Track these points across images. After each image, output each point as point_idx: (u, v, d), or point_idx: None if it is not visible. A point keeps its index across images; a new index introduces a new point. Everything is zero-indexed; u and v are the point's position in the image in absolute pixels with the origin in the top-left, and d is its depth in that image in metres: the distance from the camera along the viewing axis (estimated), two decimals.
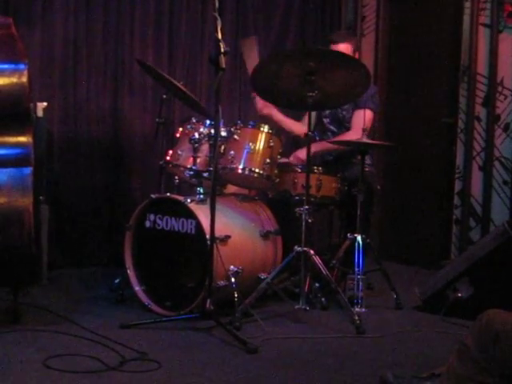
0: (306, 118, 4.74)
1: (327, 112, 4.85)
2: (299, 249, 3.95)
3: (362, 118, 4.51)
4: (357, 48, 4.77)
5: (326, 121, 4.88)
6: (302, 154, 4.56)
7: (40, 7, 5.00)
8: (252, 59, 4.57)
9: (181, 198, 3.99)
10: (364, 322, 3.79)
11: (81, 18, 5.16)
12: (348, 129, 4.74)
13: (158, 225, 4.05)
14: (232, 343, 3.43)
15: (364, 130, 4.27)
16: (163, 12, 5.46)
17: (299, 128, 4.84)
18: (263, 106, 4.72)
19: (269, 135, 4.14)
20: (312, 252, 3.96)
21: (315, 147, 4.33)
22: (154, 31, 5.43)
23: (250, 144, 4.09)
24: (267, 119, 4.64)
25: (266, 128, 4.15)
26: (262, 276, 4.07)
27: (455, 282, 4.11)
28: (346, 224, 4.65)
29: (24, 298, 3.86)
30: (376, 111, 4.76)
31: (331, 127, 4.86)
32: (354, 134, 4.53)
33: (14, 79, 3.49)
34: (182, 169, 4.25)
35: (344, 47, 4.65)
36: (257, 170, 4.08)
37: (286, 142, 4.57)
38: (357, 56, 4.83)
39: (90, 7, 5.20)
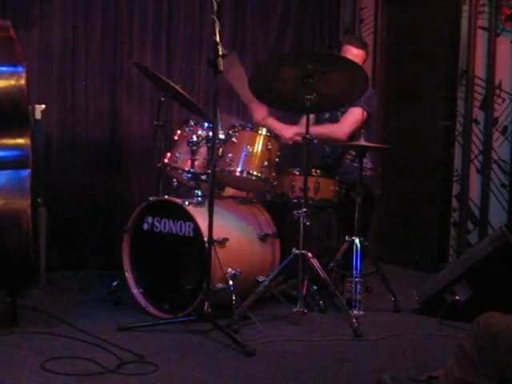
0: (304, 120, 4.75)
1: (327, 115, 4.86)
2: (297, 251, 3.95)
3: (353, 117, 4.60)
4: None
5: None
6: (287, 132, 4.60)
7: (38, 9, 5.01)
8: (236, 74, 4.56)
9: (179, 201, 3.99)
10: (362, 325, 3.79)
11: (79, 20, 5.17)
12: None
13: (156, 227, 4.05)
14: (230, 346, 3.43)
15: (362, 132, 4.27)
16: (161, 14, 5.46)
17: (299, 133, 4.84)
18: (259, 115, 4.71)
19: (267, 138, 4.14)
20: (310, 255, 3.96)
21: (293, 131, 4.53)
22: (152, 34, 5.44)
23: (248, 147, 4.10)
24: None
25: (264, 131, 4.16)
26: (260, 279, 4.07)
27: (453, 285, 4.11)
28: (344, 227, 4.66)
29: (22, 301, 3.86)
30: (370, 112, 4.74)
31: None
32: (338, 127, 4.60)
33: (12, 81, 3.49)
34: (180, 171, 4.25)
35: (358, 53, 4.67)
36: (255, 173, 4.08)
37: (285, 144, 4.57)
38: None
39: (88, 10, 5.20)
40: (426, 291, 4.30)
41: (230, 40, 5.72)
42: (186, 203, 3.95)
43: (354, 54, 4.64)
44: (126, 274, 4.10)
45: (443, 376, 2.25)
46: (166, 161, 4.29)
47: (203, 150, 4.16)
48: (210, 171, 3.76)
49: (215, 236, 3.71)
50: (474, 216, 5.48)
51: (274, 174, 4.17)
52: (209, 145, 4.06)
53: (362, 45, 4.87)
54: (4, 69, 3.53)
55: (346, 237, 4.30)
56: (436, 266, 5.12)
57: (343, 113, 4.76)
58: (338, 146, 4.83)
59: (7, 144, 3.51)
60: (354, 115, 4.62)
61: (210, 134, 3.96)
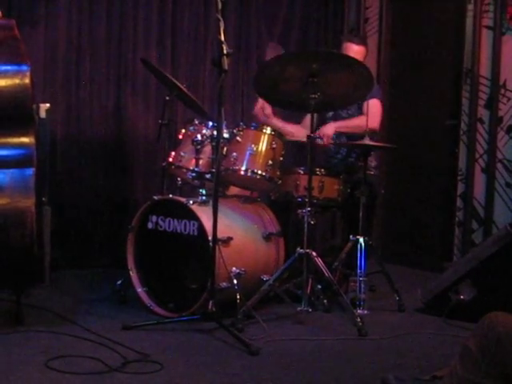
0: (306, 120, 4.76)
1: (330, 114, 4.86)
2: (301, 251, 3.95)
3: (375, 106, 4.62)
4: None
5: (328, 122, 4.89)
6: (328, 129, 4.60)
7: (43, 8, 5.02)
8: None
9: (183, 200, 3.99)
10: (366, 324, 3.78)
11: (84, 19, 5.18)
12: None
13: (161, 226, 4.05)
14: (234, 345, 3.43)
15: (365, 132, 4.26)
16: (166, 14, 5.47)
17: (300, 132, 4.84)
18: (262, 113, 4.73)
19: (271, 137, 4.14)
20: (314, 254, 3.96)
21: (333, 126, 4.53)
22: (157, 33, 5.44)
23: (253, 146, 4.09)
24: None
25: (268, 130, 4.16)
26: (265, 278, 4.07)
27: (458, 285, 4.11)
28: (348, 226, 4.65)
29: (26, 299, 3.86)
30: (382, 103, 4.82)
31: None
32: (370, 120, 4.45)
33: (17, 80, 3.49)
34: (184, 170, 4.25)
35: (360, 50, 4.67)
36: (259, 172, 4.08)
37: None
38: None
39: (93, 9, 5.21)
40: (431, 290, 4.29)
41: (235, 39, 5.72)
42: (191, 202, 3.95)
43: (355, 50, 4.65)
44: (131, 272, 4.11)
45: (448, 376, 2.25)
46: (170, 160, 4.29)
47: (208, 149, 4.16)
48: (214, 170, 3.76)
49: (220, 235, 3.71)
50: (478, 215, 5.47)
51: (278, 172, 4.17)
52: (213, 144, 4.06)
53: (362, 41, 4.90)
54: (8, 68, 3.53)
55: (351, 236, 4.30)
56: (440, 265, 5.11)
57: (348, 110, 4.76)
58: (342, 146, 4.83)
59: (12, 143, 3.51)
60: (378, 106, 4.69)
61: (215, 132, 3.95)
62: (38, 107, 4.39)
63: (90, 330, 3.52)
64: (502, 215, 5.31)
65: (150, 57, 5.35)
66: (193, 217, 3.90)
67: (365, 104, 4.61)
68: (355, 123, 4.63)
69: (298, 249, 3.98)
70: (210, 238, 3.69)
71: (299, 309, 3.90)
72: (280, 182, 4.21)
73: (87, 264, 5.20)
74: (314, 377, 3.10)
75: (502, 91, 5.35)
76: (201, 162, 4.14)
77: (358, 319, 3.79)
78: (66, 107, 5.16)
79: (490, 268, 4.02)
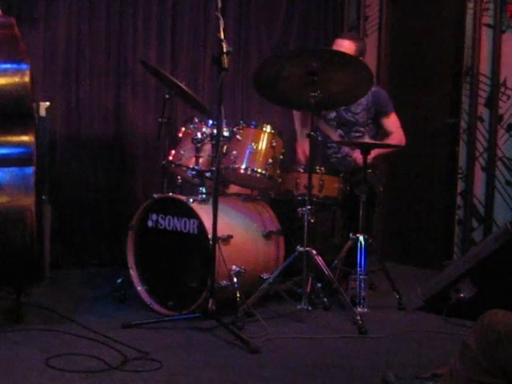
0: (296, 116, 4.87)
1: (332, 116, 4.87)
2: (301, 249, 3.95)
3: (397, 122, 4.85)
4: (360, 53, 4.76)
5: (331, 124, 4.89)
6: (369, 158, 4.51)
7: (43, 7, 5.03)
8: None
9: (183, 198, 3.99)
10: (366, 323, 3.79)
11: (84, 18, 5.19)
12: (360, 131, 4.78)
13: (161, 224, 4.05)
14: (234, 343, 3.43)
15: (366, 130, 4.27)
16: (166, 12, 5.47)
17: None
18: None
19: (271, 135, 4.14)
20: (314, 252, 3.96)
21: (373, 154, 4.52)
22: (156, 31, 5.45)
23: (253, 144, 4.09)
24: None
25: (268, 128, 4.15)
26: (265, 276, 4.07)
27: (457, 283, 4.10)
28: (348, 224, 4.66)
29: (26, 298, 3.87)
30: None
31: (339, 130, 4.87)
32: (400, 137, 4.82)
33: (17, 79, 3.49)
34: (184, 169, 4.25)
35: (347, 44, 4.69)
36: (259, 170, 4.08)
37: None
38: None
39: (93, 7, 5.21)
40: (431, 289, 4.29)
41: (235, 37, 5.72)
42: (191, 200, 3.95)
43: (344, 45, 4.66)
44: (131, 271, 4.11)
45: (447, 374, 2.24)
46: (170, 158, 4.30)
47: (207, 148, 4.16)
48: (214, 168, 3.76)
49: (219, 233, 3.71)
50: (478, 213, 5.47)
51: (278, 171, 4.17)
52: (213, 142, 4.06)
53: (351, 36, 4.97)
54: (8, 66, 3.53)
55: (351, 234, 4.30)
56: (440, 263, 5.12)
57: (355, 114, 4.79)
58: (342, 144, 4.83)
59: (12, 141, 3.51)
60: (398, 121, 4.87)
61: (215, 131, 3.95)
62: (38, 106, 4.40)
63: (90, 328, 3.52)
64: (502, 213, 5.31)
65: (150, 55, 5.36)
66: (193, 215, 3.90)
67: (385, 121, 4.81)
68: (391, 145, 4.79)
69: (298, 247, 3.98)
70: (209, 236, 3.69)
71: (299, 307, 3.91)
72: (280, 180, 4.21)
73: (87, 262, 5.21)
74: (313, 375, 3.10)
75: (502, 89, 5.35)
76: (201, 160, 4.14)
77: (358, 317, 3.79)
78: (66, 106, 5.17)
79: (490, 266, 4.02)
